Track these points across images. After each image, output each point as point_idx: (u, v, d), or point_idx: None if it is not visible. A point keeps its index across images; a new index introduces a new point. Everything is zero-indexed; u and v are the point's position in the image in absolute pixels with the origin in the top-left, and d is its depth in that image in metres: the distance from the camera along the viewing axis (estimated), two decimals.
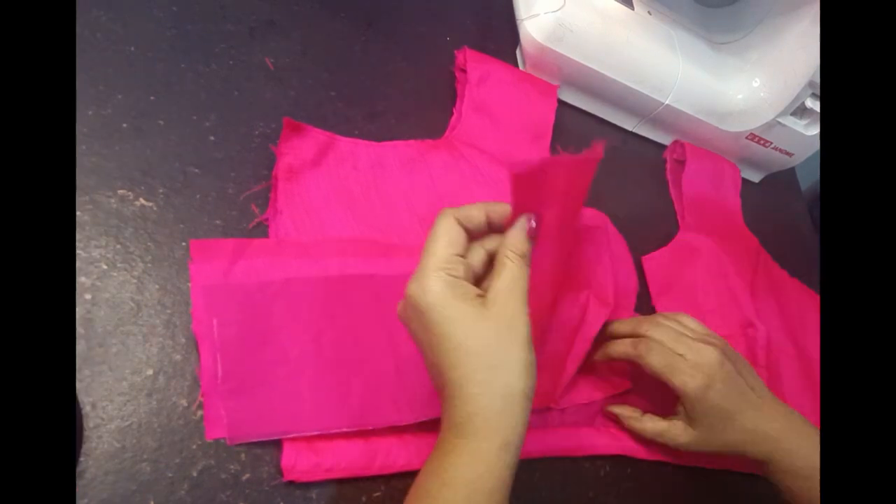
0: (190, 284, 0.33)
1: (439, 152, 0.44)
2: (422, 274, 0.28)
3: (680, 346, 0.38)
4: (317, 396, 0.33)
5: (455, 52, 0.50)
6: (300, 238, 0.37)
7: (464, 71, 0.49)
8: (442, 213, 0.29)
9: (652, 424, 0.40)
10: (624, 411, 0.42)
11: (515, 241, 0.29)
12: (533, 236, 0.30)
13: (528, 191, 0.30)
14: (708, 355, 0.37)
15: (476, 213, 0.30)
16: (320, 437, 0.32)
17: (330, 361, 0.34)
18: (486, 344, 0.27)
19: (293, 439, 0.32)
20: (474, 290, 0.28)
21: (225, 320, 0.32)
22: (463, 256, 0.29)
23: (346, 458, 0.32)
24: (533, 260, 0.30)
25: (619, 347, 0.40)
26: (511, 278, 0.28)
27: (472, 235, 0.30)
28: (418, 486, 0.27)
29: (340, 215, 0.39)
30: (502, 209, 0.30)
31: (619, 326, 0.41)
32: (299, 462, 0.31)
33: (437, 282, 0.27)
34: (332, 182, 0.39)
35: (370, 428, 0.33)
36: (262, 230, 0.37)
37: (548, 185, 0.30)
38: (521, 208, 0.30)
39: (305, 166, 0.39)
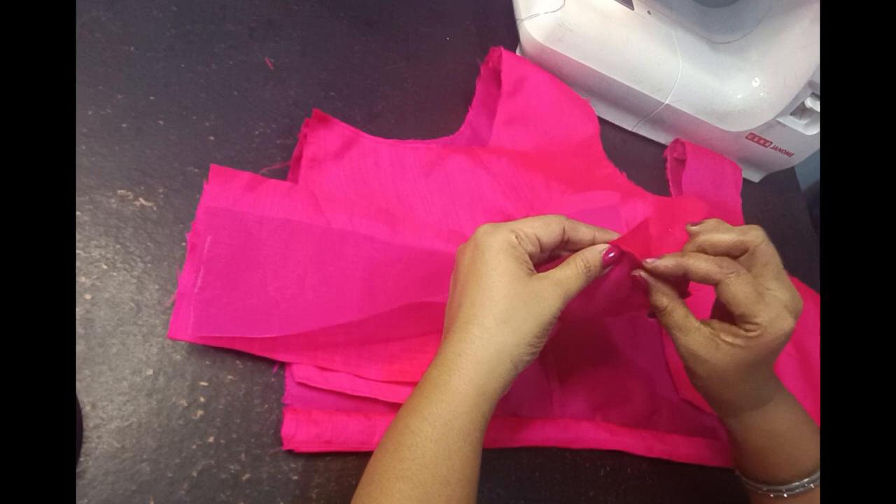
0: (199, 201, 0.34)
1: (458, 157, 0.44)
2: (499, 224, 0.31)
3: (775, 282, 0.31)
4: (285, 329, 0.33)
5: (491, 48, 0.49)
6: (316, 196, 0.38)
7: (491, 69, 0.49)
8: (556, 215, 0.33)
9: (698, 326, 0.32)
10: (664, 291, 0.32)
11: (591, 255, 0.32)
12: (606, 265, 0.32)
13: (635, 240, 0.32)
14: (798, 302, 0.31)
15: (584, 232, 0.33)
16: (321, 410, 0.33)
17: (306, 303, 0.35)
18: (510, 301, 0.29)
19: (294, 410, 0.32)
20: (529, 263, 0.31)
21: (218, 240, 0.33)
22: (541, 250, 0.32)
23: (345, 433, 0.33)
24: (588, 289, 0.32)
25: (703, 266, 0.31)
26: (567, 275, 0.31)
27: (568, 245, 0.33)
28: (399, 420, 0.28)
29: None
30: (608, 237, 0.33)
31: (721, 237, 0.32)
32: (299, 432, 0.32)
33: (505, 235, 0.30)
34: (352, 175, 0.40)
35: (326, 364, 0.34)
36: None
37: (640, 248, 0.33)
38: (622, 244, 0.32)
39: (329, 157, 0.40)
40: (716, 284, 0.30)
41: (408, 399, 0.29)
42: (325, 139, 0.40)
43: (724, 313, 0.32)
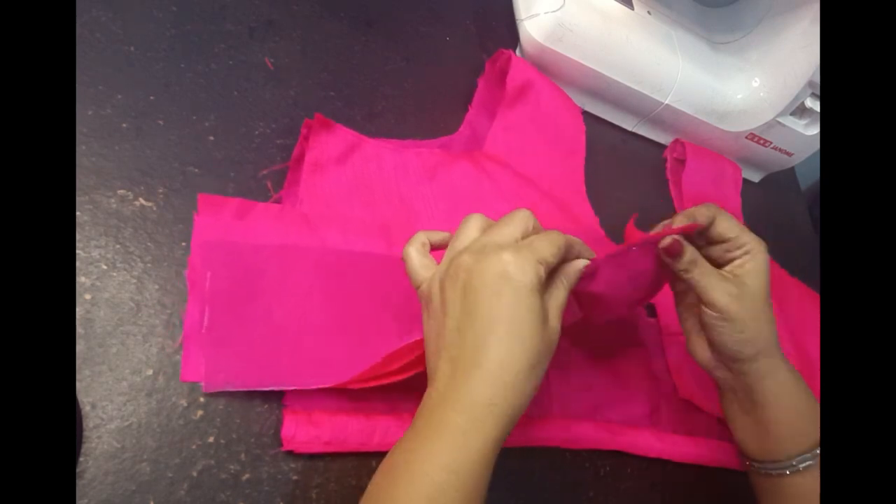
0: (192, 235, 0.34)
1: (462, 163, 0.44)
2: (526, 254, 0.28)
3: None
4: (297, 355, 0.33)
5: (500, 49, 0.49)
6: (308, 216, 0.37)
7: (497, 70, 0.49)
8: (559, 232, 0.31)
9: (721, 273, 0.35)
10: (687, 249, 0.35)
11: (572, 271, 0.32)
12: (586, 275, 0.32)
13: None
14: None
15: (576, 247, 0.32)
16: (320, 410, 0.33)
17: (314, 325, 0.34)
18: (538, 346, 0.28)
19: (293, 412, 0.32)
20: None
21: (218, 275, 0.33)
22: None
23: (344, 433, 0.33)
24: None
25: (703, 210, 0.36)
26: (561, 297, 0.31)
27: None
28: (415, 472, 0.26)
29: (360, 213, 0.40)
30: (591, 255, 0.33)
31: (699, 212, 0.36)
32: (298, 433, 0.32)
33: (536, 270, 0.28)
34: (355, 180, 0.40)
35: (344, 383, 0.33)
36: None
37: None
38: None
39: (331, 162, 0.40)
40: (713, 221, 0.35)
41: (421, 440, 0.27)
42: (328, 143, 0.40)
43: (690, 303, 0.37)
